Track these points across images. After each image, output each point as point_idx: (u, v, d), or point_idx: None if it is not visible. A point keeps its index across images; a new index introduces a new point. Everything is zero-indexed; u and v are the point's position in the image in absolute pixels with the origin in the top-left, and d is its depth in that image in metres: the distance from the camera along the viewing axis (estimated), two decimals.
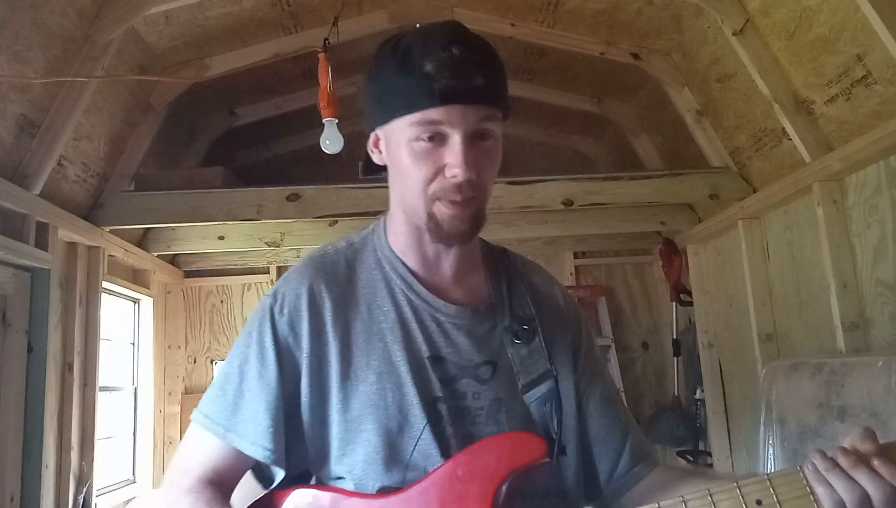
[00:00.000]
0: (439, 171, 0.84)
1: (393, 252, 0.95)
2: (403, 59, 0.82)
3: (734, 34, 2.33)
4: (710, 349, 3.45)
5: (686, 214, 3.48)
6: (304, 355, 0.89)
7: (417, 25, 0.88)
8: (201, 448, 0.91)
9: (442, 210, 0.86)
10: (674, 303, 3.74)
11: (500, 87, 0.85)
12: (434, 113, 0.81)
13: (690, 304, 3.60)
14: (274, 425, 0.87)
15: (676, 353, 3.77)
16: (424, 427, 0.85)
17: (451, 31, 0.84)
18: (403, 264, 0.94)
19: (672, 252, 3.67)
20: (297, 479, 0.91)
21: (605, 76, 3.21)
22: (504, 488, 0.83)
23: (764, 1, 2.22)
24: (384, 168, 0.94)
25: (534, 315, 0.95)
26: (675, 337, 3.79)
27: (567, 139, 4.10)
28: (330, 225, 3.41)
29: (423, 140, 0.83)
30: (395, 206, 0.94)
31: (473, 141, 0.84)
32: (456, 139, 0.82)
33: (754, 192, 2.88)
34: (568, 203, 2.97)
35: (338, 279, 0.94)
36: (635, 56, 2.86)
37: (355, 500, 0.85)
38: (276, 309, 0.91)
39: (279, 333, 0.90)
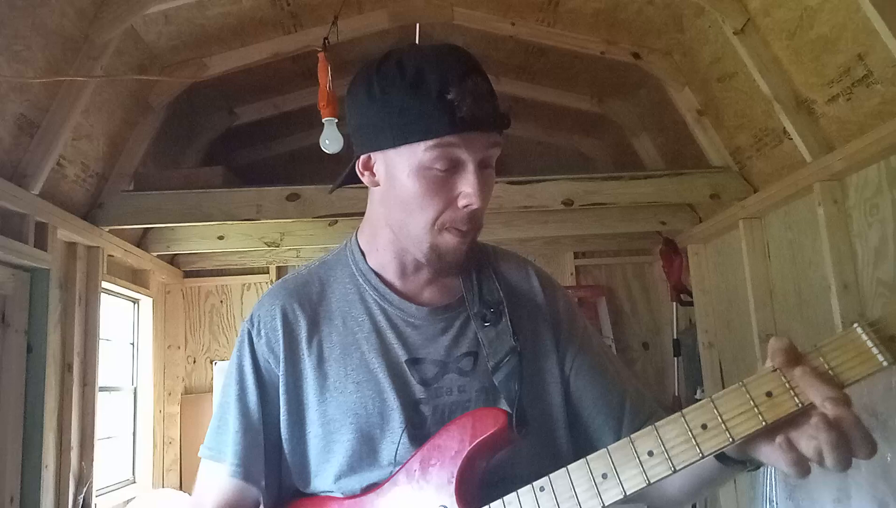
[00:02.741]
0: (451, 201, 0.85)
1: (369, 267, 0.96)
2: (417, 83, 0.81)
3: (735, 34, 2.33)
4: (710, 349, 3.45)
5: (687, 213, 3.48)
6: (282, 373, 0.92)
7: (412, 43, 0.88)
8: (207, 478, 0.95)
9: (447, 240, 0.87)
10: (674, 303, 3.73)
11: (504, 113, 0.86)
12: (452, 139, 0.81)
13: (691, 304, 3.60)
14: (245, 443, 0.91)
15: (677, 353, 3.77)
16: (402, 432, 0.87)
17: (461, 56, 0.85)
18: (378, 276, 0.96)
19: (672, 252, 3.66)
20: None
21: (606, 76, 3.21)
22: (479, 465, 0.84)
23: (765, 0, 2.22)
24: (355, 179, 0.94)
25: (501, 298, 0.95)
26: (675, 337, 3.79)
27: (567, 139, 4.09)
28: (330, 225, 3.41)
29: (437, 169, 0.83)
30: (380, 226, 0.94)
31: (480, 169, 0.85)
32: (470, 167, 0.83)
33: (755, 192, 2.88)
34: (568, 203, 2.97)
35: (311, 297, 0.96)
36: (636, 55, 2.86)
37: (326, 502, 0.88)
38: (255, 332, 0.95)
39: (258, 356, 0.94)
